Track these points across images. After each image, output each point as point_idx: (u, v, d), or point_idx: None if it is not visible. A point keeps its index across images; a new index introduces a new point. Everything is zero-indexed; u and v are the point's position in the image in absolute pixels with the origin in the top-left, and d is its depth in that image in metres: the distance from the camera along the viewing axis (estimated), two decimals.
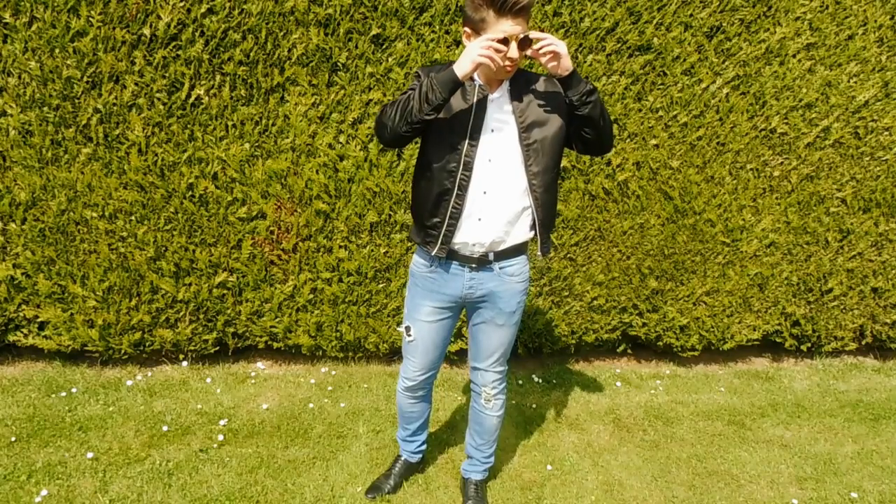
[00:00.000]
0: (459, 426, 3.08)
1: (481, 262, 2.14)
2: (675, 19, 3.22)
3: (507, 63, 1.87)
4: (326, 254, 3.31)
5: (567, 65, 1.88)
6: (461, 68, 1.83)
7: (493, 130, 2.01)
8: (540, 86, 2.04)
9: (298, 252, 3.28)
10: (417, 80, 1.97)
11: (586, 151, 2.12)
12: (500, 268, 2.16)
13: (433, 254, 2.12)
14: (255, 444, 2.86)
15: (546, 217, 2.12)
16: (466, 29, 1.91)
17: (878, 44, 3.48)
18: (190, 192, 3.11)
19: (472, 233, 2.08)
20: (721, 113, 3.41)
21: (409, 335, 2.31)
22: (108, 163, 3.01)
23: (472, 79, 1.99)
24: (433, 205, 2.06)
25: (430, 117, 1.90)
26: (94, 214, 3.06)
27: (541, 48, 1.84)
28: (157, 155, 3.03)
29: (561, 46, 1.84)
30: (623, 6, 3.15)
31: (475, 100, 1.98)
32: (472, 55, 1.80)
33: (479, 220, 2.06)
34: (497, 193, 2.04)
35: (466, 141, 1.99)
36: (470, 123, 1.98)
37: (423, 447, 2.68)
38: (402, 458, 2.68)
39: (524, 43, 1.85)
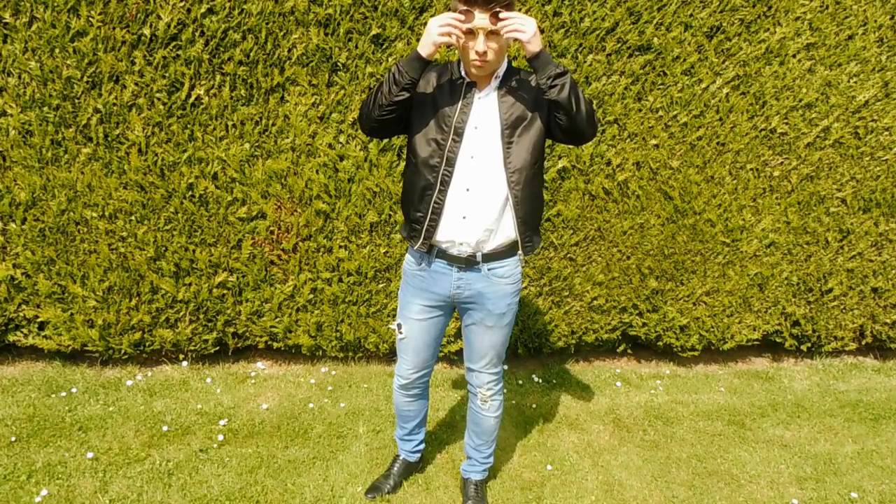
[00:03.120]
0: (459, 426, 3.08)
1: (469, 263, 2.14)
2: (675, 19, 3.22)
3: (476, 59, 1.89)
4: (326, 254, 3.31)
5: (536, 43, 1.85)
6: (423, 45, 1.87)
7: (476, 127, 2.02)
8: (530, 83, 2.04)
9: (298, 252, 3.28)
10: None
11: (565, 139, 2.05)
12: (489, 269, 2.15)
13: (415, 248, 2.14)
14: (255, 444, 2.86)
15: (527, 214, 2.10)
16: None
17: (878, 44, 3.48)
18: (190, 192, 3.11)
19: (457, 231, 2.08)
20: (721, 113, 3.41)
21: (401, 332, 2.33)
22: (108, 163, 3.01)
23: (461, 76, 2.02)
24: (417, 199, 2.08)
25: (399, 98, 1.93)
26: (94, 214, 3.06)
27: (505, 25, 1.83)
28: (157, 155, 3.04)
29: (528, 21, 1.82)
30: (623, 6, 3.15)
31: (461, 96, 2.00)
32: (431, 31, 1.84)
33: (464, 217, 2.06)
34: (481, 191, 2.04)
35: (450, 137, 2.01)
36: (455, 119, 2.00)
37: (421, 446, 2.69)
38: (401, 458, 2.68)
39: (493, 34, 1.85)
